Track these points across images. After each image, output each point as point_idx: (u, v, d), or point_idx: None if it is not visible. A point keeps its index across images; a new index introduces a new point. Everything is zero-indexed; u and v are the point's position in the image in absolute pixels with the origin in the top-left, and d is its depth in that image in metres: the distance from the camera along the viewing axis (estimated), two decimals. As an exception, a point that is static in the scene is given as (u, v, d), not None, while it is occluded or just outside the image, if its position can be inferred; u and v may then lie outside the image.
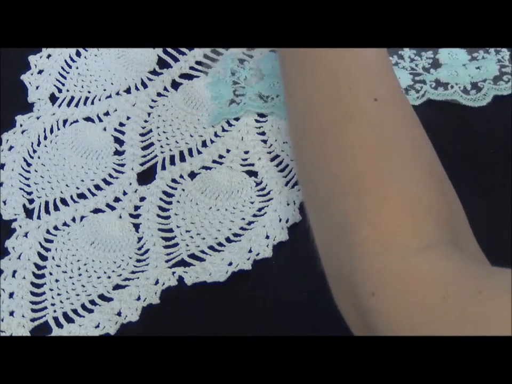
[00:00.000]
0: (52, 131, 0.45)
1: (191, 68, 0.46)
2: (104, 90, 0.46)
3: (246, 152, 0.43)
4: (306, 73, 0.33)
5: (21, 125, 0.45)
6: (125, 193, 0.42)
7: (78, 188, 0.42)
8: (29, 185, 0.43)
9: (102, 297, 0.38)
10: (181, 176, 0.42)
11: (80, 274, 0.39)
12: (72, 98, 0.46)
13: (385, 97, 0.31)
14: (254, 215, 0.40)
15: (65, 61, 0.48)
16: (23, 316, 0.38)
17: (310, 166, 0.33)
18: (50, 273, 0.39)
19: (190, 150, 0.43)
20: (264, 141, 0.43)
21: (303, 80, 0.33)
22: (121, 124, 0.45)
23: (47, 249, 0.40)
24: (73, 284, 0.39)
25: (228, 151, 0.43)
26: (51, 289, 0.39)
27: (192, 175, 0.42)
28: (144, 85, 0.46)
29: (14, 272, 0.39)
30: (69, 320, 0.38)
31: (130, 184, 0.42)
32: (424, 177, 0.30)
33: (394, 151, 0.30)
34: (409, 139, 0.31)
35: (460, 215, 0.32)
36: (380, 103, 0.31)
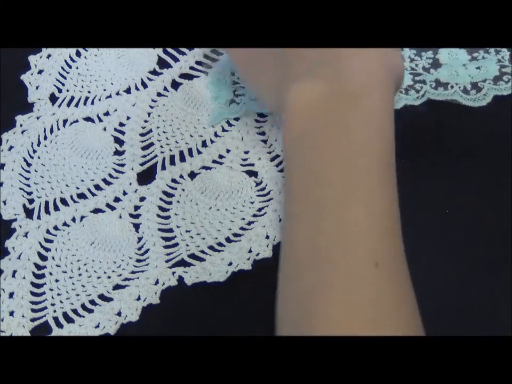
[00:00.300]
0: (52, 131, 0.45)
1: (191, 68, 0.46)
2: (104, 90, 0.46)
3: (246, 152, 0.43)
4: (309, 220, 0.31)
5: (21, 125, 0.45)
6: (125, 193, 0.42)
7: (78, 188, 0.42)
8: (29, 185, 0.43)
9: (102, 297, 0.38)
10: (181, 176, 0.42)
11: (80, 274, 0.39)
12: (72, 98, 0.46)
13: (387, 262, 0.29)
14: (254, 215, 0.40)
15: (65, 61, 0.48)
16: (23, 316, 0.38)
17: (291, 320, 0.30)
18: (50, 273, 0.39)
19: (190, 150, 0.43)
20: (264, 141, 0.43)
21: (305, 227, 0.31)
22: (121, 124, 0.45)
23: (47, 249, 0.40)
24: (73, 283, 0.39)
25: (228, 151, 0.43)
26: (51, 289, 0.39)
27: (192, 175, 0.42)
28: (144, 85, 0.46)
29: (14, 272, 0.39)
30: (69, 320, 0.38)
31: (130, 184, 0.42)
32: None
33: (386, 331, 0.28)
34: (403, 318, 0.29)
35: None
36: (381, 269, 0.28)
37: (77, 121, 0.45)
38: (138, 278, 0.39)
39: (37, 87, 0.46)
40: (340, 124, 0.31)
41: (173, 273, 0.38)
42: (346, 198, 0.30)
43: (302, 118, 0.33)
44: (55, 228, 0.41)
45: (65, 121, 0.45)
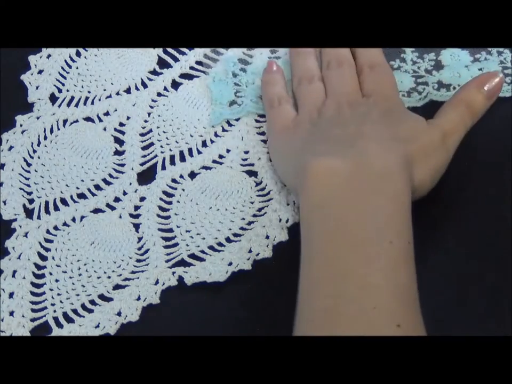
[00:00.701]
0: (52, 131, 0.45)
1: (191, 68, 0.46)
2: (104, 90, 0.46)
3: (246, 152, 0.42)
4: (329, 280, 0.31)
5: (21, 125, 0.45)
6: (125, 193, 0.42)
7: (78, 188, 0.42)
8: (29, 185, 0.43)
9: (102, 297, 0.38)
10: (181, 176, 0.42)
11: (80, 274, 0.39)
12: (72, 98, 0.46)
13: (407, 323, 0.30)
14: (254, 215, 0.40)
15: (65, 61, 0.48)
16: (23, 316, 0.38)
17: None
18: (50, 273, 0.39)
19: (190, 150, 0.43)
20: (264, 141, 0.43)
21: (325, 290, 0.31)
22: (121, 124, 0.45)
23: (47, 249, 0.40)
24: (73, 283, 0.39)
25: (228, 151, 0.43)
26: (51, 289, 0.39)
27: (192, 175, 0.42)
28: (144, 85, 0.46)
29: (14, 272, 0.39)
30: (69, 320, 0.38)
31: (130, 184, 0.42)
32: None
33: None
34: None
35: None
36: (402, 329, 0.29)
37: (77, 121, 0.45)
38: (138, 278, 0.39)
39: (37, 87, 0.46)
40: (365, 199, 0.33)
41: (173, 273, 0.38)
42: (369, 265, 0.31)
43: (323, 186, 0.34)
44: (55, 228, 0.41)
45: (65, 121, 0.45)
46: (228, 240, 0.39)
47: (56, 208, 0.42)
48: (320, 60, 0.43)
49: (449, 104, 0.39)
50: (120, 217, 0.41)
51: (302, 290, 0.33)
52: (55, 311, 0.38)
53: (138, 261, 0.39)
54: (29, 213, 0.42)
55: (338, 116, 0.38)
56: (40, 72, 0.47)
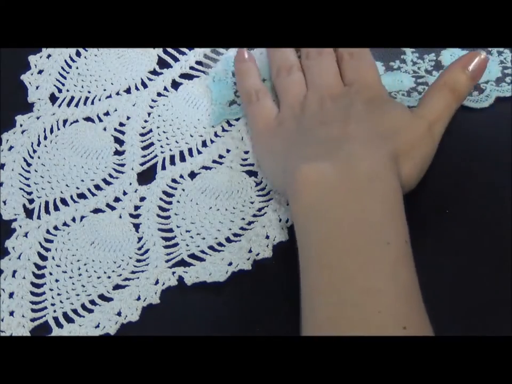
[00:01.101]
0: (52, 131, 0.45)
1: (191, 68, 0.46)
2: (104, 90, 0.46)
3: (246, 152, 0.43)
4: (331, 288, 0.31)
5: (21, 125, 0.45)
6: (125, 193, 0.42)
7: (78, 188, 0.42)
8: (29, 185, 0.43)
9: (102, 297, 0.38)
10: (181, 176, 0.42)
11: (80, 274, 0.39)
12: (72, 98, 0.46)
13: (413, 324, 0.30)
14: (254, 215, 0.40)
15: (65, 61, 0.48)
16: (23, 316, 0.38)
17: None
18: (50, 273, 0.39)
19: (190, 150, 0.43)
20: (264, 141, 0.43)
21: (327, 298, 0.31)
22: (121, 124, 0.45)
23: (47, 249, 0.40)
24: (73, 283, 0.39)
25: (228, 151, 0.43)
26: (51, 289, 0.39)
27: (192, 175, 0.42)
28: (144, 85, 0.46)
29: (14, 272, 0.39)
30: (69, 320, 0.38)
31: (130, 184, 0.42)
32: None
33: None
34: None
35: None
36: (409, 331, 0.29)
37: (77, 121, 0.45)
38: (138, 278, 0.39)
39: (37, 87, 0.46)
40: (356, 202, 0.33)
41: (173, 273, 0.38)
42: (368, 268, 0.31)
43: (314, 191, 0.34)
44: (55, 227, 0.41)
45: (65, 121, 0.45)
46: (228, 240, 0.39)
47: (56, 208, 0.42)
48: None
49: (433, 89, 0.38)
50: (120, 217, 0.41)
51: (304, 299, 0.32)
52: (55, 311, 0.38)
53: (138, 261, 0.39)
54: (29, 213, 0.42)
55: (322, 111, 0.38)
56: (40, 72, 0.47)
